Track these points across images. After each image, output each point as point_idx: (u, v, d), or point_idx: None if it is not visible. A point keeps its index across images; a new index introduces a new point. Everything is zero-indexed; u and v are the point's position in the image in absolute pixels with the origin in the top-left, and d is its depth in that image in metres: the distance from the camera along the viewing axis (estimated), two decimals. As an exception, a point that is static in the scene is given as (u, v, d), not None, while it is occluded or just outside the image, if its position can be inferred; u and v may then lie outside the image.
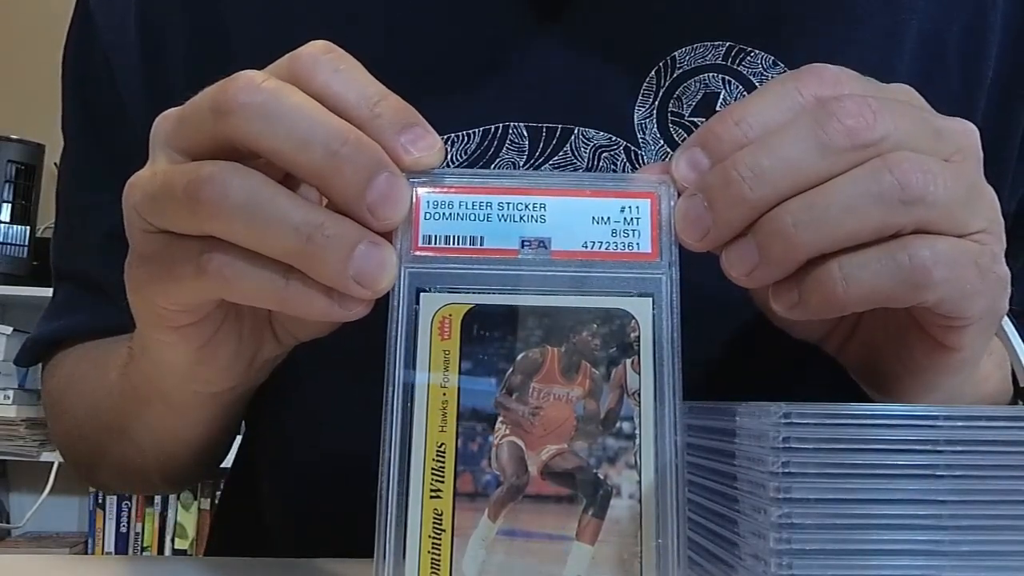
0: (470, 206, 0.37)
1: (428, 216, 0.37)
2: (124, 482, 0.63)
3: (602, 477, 0.35)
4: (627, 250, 0.37)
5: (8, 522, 2.17)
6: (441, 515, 0.35)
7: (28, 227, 2.36)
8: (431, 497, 0.35)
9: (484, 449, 0.36)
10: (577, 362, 0.36)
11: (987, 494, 0.31)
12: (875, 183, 0.35)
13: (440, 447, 0.36)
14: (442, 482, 0.35)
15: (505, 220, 0.37)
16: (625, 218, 0.37)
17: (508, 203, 0.37)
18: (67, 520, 2.15)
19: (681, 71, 0.53)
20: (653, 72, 0.53)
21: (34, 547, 2.09)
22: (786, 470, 0.31)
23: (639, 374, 0.36)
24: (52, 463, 2.02)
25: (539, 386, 0.36)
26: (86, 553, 2.08)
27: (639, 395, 0.36)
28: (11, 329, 2.09)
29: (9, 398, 2.02)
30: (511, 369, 0.36)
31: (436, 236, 0.37)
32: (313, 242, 0.35)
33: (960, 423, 0.31)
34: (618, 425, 0.36)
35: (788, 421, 0.31)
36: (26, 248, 2.33)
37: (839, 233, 0.35)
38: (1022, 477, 0.31)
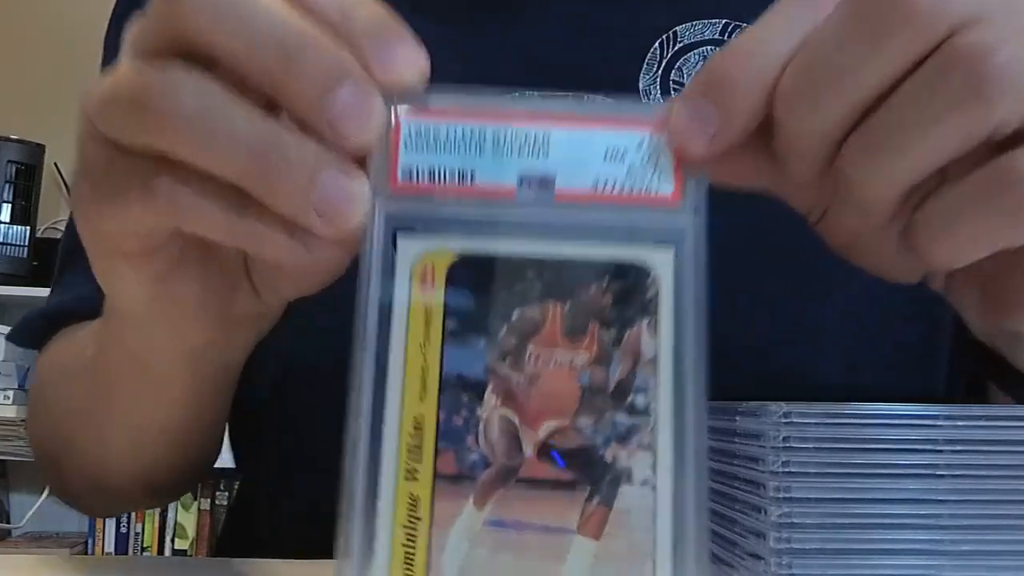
0: (460, 135, 0.31)
1: (409, 146, 0.31)
2: (92, 488, 0.56)
3: (610, 459, 0.30)
4: (645, 192, 0.31)
5: (8, 522, 2.15)
6: (417, 501, 0.29)
7: (28, 227, 2.35)
8: (406, 479, 0.29)
9: (470, 423, 0.30)
10: (583, 323, 0.31)
11: (987, 493, 0.31)
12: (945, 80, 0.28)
13: (418, 420, 0.30)
14: (419, 462, 0.30)
15: (501, 153, 0.31)
16: (643, 154, 0.32)
17: (505, 133, 0.31)
18: (67, 520, 2.13)
19: (681, 45, 0.58)
20: (656, 45, 0.57)
21: (34, 547, 2.06)
22: (786, 470, 0.32)
23: (656, 339, 0.30)
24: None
25: (538, 350, 0.30)
26: (86, 553, 2.06)
27: (656, 364, 0.30)
28: (11, 329, 2.01)
29: (9, 398, 2.02)
30: (504, 329, 0.30)
31: (418, 169, 0.31)
32: (268, 164, 0.29)
33: (960, 422, 0.31)
34: (631, 398, 0.30)
35: (788, 421, 0.32)
36: (26, 248, 2.32)
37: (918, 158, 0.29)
38: (1022, 477, 0.31)
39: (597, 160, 0.31)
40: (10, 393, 2.00)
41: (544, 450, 0.30)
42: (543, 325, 0.31)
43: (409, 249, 0.31)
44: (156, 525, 2.18)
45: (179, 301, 0.36)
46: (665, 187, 0.31)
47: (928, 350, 0.57)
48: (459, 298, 0.31)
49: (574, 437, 0.30)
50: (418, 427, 0.30)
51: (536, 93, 0.31)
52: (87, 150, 0.33)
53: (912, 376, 0.56)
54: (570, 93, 0.31)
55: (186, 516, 2.19)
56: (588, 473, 0.30)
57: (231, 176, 0.30)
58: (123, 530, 2.10)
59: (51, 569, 0.46)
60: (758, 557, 0.32)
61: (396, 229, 0.31)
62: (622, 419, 0.30)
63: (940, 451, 0.31)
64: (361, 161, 0.31)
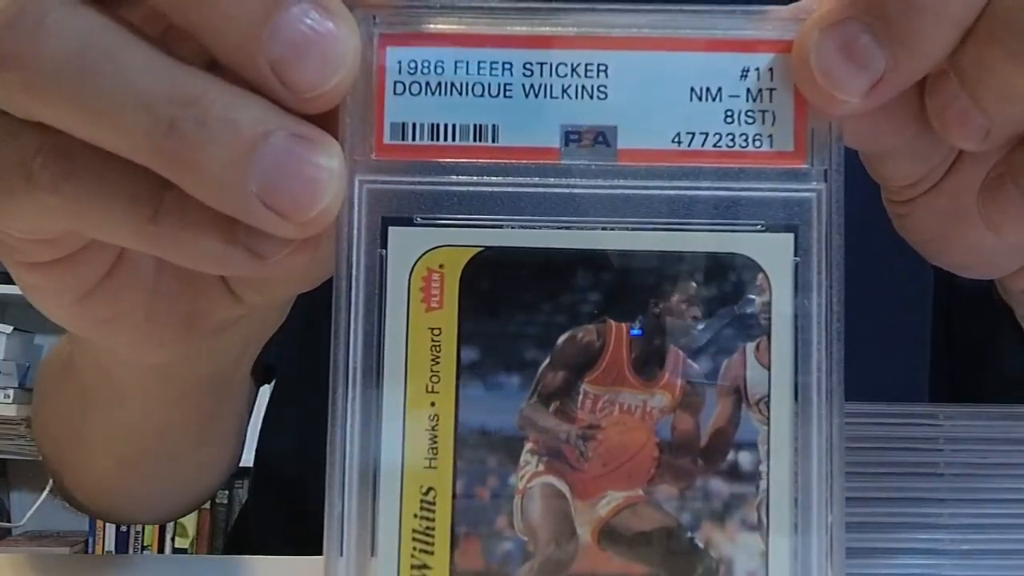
0: (474, 69, 0.21)
1: (400, 90, 0.21)
2: (86, 497, 0.49)
3: (702, 545, 0.21)
4: (751, 147, 0.21)
5: (8, 521, 2.15)
6: (430, 607, 0.21)
7: (28, 226, 2.23)
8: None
9: (501, 498, 0.21)
10: (661, 348, 0.21)
11: (988, 492, 0.30)
12: None
13: (427, 494, 0.21)
14: (430, 552, 0.21)
15: (536, 94, 0.21)
16: (748, 89, 0.21)
17: (541, 63, 0.21)
18: (67, 519, 2.11)
19: None
20: None
21: (34, 546, 2.04)
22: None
23: (769, 369, 0.21)
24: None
25: (595, 389, 0.21)
26: (86, 552, 2.03)
27: (768, 406, 0.21)
28: (11, 328, 1.99)
29: (9, 397, 1.96)
30: (548, 360, 0.21)
31: (414, 125, 0.21)
32: (179, 132, 0.19)
33: (961, 421, 0.31)
34: (731, 457, 0.21)
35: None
36: (26, 247, 2.20)
37: None
38: (1022, 476, 0.30)
39: (679, 100, 0.21)
40: (10, 392, 1.94)
41: (607, 533, 0.21)
42: (603, 353, 0.21)
43: (405, 246, 0.21)
44: (156, 524, 2.16)
45: (119, 320, 0.26)
46: (782, 140, 0.21)
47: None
48: (479, 316, 0.21)
49: (650, 515, 0.21)
50: (426, 505, 0.21)
51: (586, 4, 0.21)
52: None
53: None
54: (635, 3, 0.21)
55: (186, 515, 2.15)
56: (671, 566, 0.21)
57: (133, 152, 0.20)
58: (123, 529, 2.09)
59: (51, 568, 0.42)
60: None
61: (385, 217, 0.21)
62: (718, 487, 0.21)
63: (940, 450, 0.30)
64: (328, 121, 0.21)
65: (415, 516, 0.21)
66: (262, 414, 0.60)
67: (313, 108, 0.20)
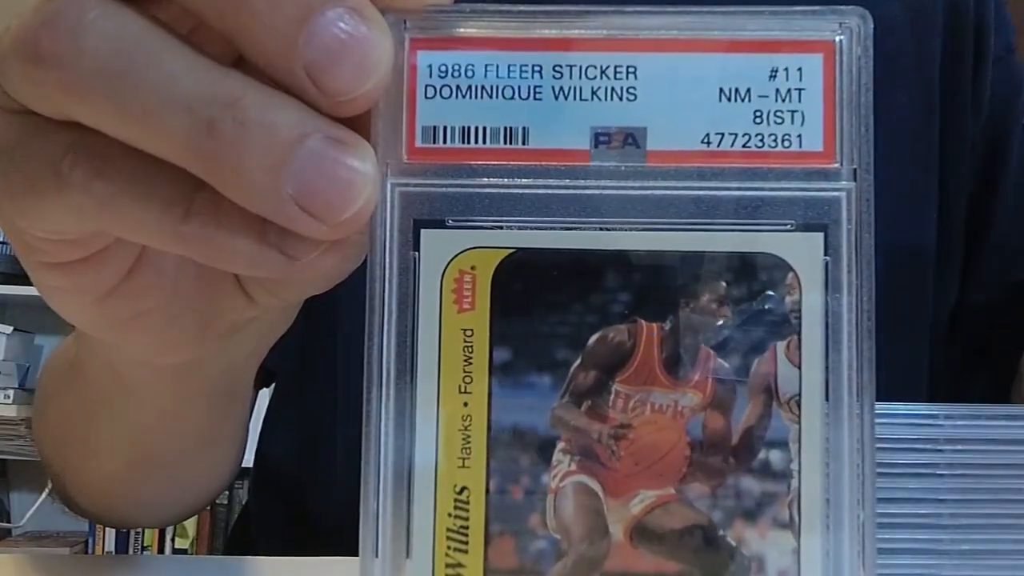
0: (504, 73, 0.21)
1: (431, 93, 0.21)
2: (89, 502, 0.49)
3: (734, 543, 0.21)
4: (780, 147, 0.21)
5: (8, 521, 2.16)
6: (464, 605, 0.21)
7: (29, 226, 2.23)
8: (448, 575, 0.21)
9: (534, 497, 0.21)
10: (693, 347, 0.21)
11: (988, 493, 0.31)
12: None
13: (460, 493, 0.21)
14: (464, 551, 0.21)
15: (566, 96, 0.21)
16: (776, 89, 0.21)
17: (571, 66, 0.21)
18: (67, 520, 2.11)
19: None
20: None
21: (34, 546, 2.04)
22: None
23: (800, 368, 0.21)
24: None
25: (627, 389, 0.21)
26: (86, 552, 2.03)
27: (798, 404, 0.21)
28: (11, 329, 1.98)
29: (9, 398, 1.96)
30: (579, 360, 0.21)
31: (446, 129, 0.21)
32: (218, 133, 0.20)
33: (961, 421, 0.31)
34: (762, 456, 0.21)
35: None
36: (27, 247, 2.20)
37: None
38: (1022, 476, 0.31)
39: (709, 101, 0.21)
40: (10, 392, 1.94)
41: (640, 531, 0.21)
42: (634, 353, 0.21)
43: (437, 248, 0.21)
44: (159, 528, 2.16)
45: (138, 320, 0.26)
46: (811, 139, 0.21)
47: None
48: (511, 317, 0.21)
49: (682, 512, 0.21)
50: (460, 504, 0.21)
51: (614, 7, 0.21)
52: None
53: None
54: (663, 4, 0.21)
55: (187, 515, 2.13)
56: (703, 563, 0.21)
57: (171, 152, 0.20)
58: (123, 529, 2.11)
59: (51, 568, 0.43)
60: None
61: (417, 219, 0.21)
62: (750, 485, 0.21)
63: (941, 450, 0.31)
64: (360, 123, 0.21)
65: (449, 515, 0.21)
66: (262, 416, 0.60)
67: (347, 111, 0.20)
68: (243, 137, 0.20)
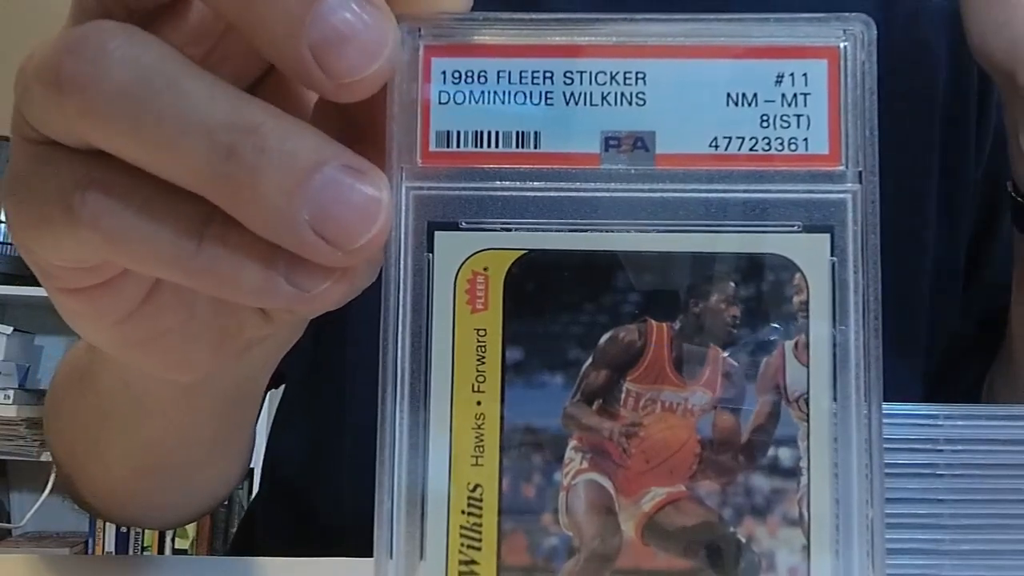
0: (516, 79, 0.22)
1: (444, 99, 0.22)
2: (100, 504, 0.49)
3: (744, 539, 0.21)
4: (786, 151, 0.22)
5: (8, 522, 2.16)
6: (478, 602, 0.21)
7: (29, 226, 2.25)
8: (461, 574, 0.21)
9: (546, 495, 0.22)
10: (702, 347, 0.22)
11: (988, 493, 0.31)
12: None
13: (474, 491, 0.22)
14: (478, 548, 0.21)
15: (576, 102, 0.22)
16: (783, 94, 0.22)
17: (581, 72, 0.22)
18: (67, 520, 2.13)
19: None
20: None
21: (34, 547, 2.05)
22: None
23: (808, 367, 0.21)
24: (52, 463, 1.93)
25: (637, 388, 0.22)
26: (86, 553, 2.04)
27: (807, 402, 0.21)
28: (11, 329, 2.00)
29: (9, 398, 1.97)
30: (590, 360, 0.22)
31: (459, 133, 0.22)
32: (238, 159, 0.20)
33: (961, 421, 0.31)
34: (772, 453, 0.21)
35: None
36: (27, 247, 2.21)
37: None
38: (1022, 476, 0.31)
39: (716, 106, 0.22)
40: (10, 392, 1.96)
41: (651, 528, 0.21)
42: (644, 352, 0.22)
43: (451, 250, 0.22)
44: (167, 529, 2.15)
45: (157, 340, 0.27)
46: (817, 143, 0.22)
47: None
48: (523, 317, 0.22)
49: (692, 510, 0.21)
50: (474, 502, 0.21)
51: (623, 15, 0.22)
52: (14, 150, 0.23)
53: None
54: (671, 11, 0.22)
55: (187, 516, 2.13)
56: (713, 560, 0.21)
57: (190, 178, 0.21)
58: (123, 530, 2.09)
59: (51, 568, 0.43)
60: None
61: (432, 222, 0.22)
62: (759, 483, 0.21)
63: (940, 450, 0.31)
64: (375, 129, 0.21)
65: (463, 512, 0.21)
66: (270, 417, 0.60)
67: (352, 95, 0.21)
68: (262, 163, 0.20)
